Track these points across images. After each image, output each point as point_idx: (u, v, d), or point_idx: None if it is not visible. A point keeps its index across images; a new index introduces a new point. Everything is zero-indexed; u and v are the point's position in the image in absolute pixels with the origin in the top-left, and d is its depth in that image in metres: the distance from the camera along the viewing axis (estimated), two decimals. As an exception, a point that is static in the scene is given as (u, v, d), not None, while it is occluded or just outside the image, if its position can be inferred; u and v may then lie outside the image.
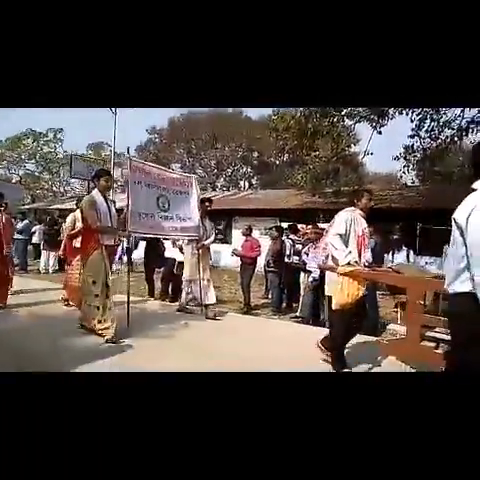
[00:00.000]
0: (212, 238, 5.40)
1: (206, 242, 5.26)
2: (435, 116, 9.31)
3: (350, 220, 3.26)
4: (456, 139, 9.36)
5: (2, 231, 5.18)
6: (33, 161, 25.87)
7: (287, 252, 6.27)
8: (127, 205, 4.22)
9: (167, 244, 6.34)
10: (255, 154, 27.18)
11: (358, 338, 4.55)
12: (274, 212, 12.05)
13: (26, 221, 10.61)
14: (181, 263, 5.77)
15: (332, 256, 3.28)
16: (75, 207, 5.44)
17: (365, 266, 3.30)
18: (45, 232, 9.89)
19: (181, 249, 5.71)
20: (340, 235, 3.18)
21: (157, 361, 3.20)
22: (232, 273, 8.39)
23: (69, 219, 5.35)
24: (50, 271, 9.51)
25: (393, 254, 6.33)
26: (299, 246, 6.20)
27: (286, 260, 6.24)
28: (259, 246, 6.31)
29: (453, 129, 9.39)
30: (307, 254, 5.62)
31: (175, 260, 6.13)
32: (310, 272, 5.43)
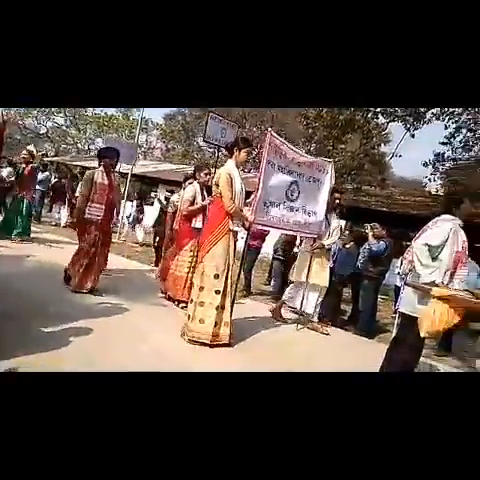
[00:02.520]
0: (334, 238, 4.47)
1: (326, 242, 4.33)
2: (473, 127, 8.99)
3: (451, 232, 2.67)
4: (490, 154, 9.04)
5: (114, 196, 4.17)
6: (62, 115, 25.96)
7: (297, 242, 6.21)
8: (257, 189, 3.50)
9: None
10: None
11: (356, 339, 4.58)
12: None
13: (46, 173, 10.72)
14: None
15: (414, 269, 2.76)
16: (192, 178, 4.51)
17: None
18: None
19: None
20: (430, 247, 2.66)
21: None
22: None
23: (189, 192, 4.25)
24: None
25: (402, 260, 6.23)
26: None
27: (295, 250, 6.20)
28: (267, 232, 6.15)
29: (489, 143, 9.07)
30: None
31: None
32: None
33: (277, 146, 3.69)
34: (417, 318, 2.56)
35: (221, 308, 3.18)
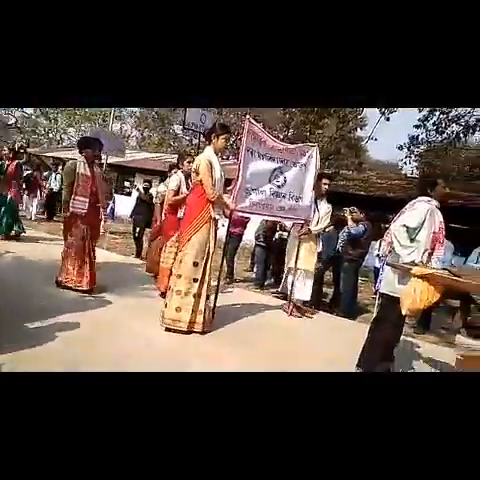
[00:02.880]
0: (323, 224, 4.38)
1: (314, 228, 4.28)
2: (445, 109, 9.18)
3: (428, 213, 2.74)
4: (462, 136, 9.27)
5: (99, 188, 3.99)
6: (31, 104, 25.00)
7: (277, 227, 6.23)
8: (237, 176, 3.53)
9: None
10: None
11: (339, 321, 4.69)
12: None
13: (18, 165, 10.35)
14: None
15: (393, 250, 2.81)
16: (176, 167, 4.48)
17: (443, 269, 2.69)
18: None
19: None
20: (408, 228, 2.73)
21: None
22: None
23: (174, 181, 4.19)
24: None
25: (381, 242, 6.38)
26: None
27: (276, 235, 6.23)
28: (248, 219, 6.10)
29: (461, 125, 9.30)
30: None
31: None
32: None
33: (256, 133, 3.68)
34: (397, 298, 2.63)
35: (198, 296, 3.16)
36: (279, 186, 3.93)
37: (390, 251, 2.90)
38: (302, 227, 4.28)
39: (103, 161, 9.06)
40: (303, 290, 4.34)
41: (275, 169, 3.89)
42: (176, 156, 5.29)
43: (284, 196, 4.00)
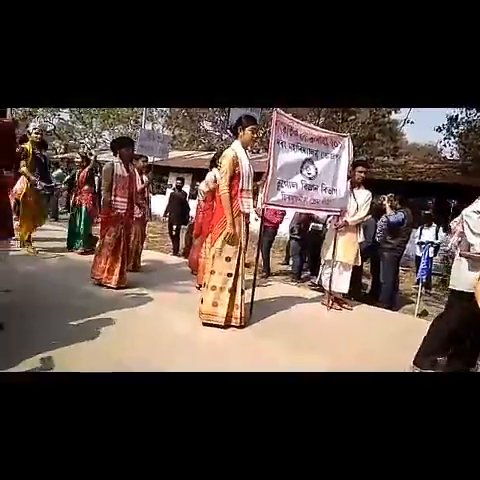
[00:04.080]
0: (361, 214, 4.15)
1: (351, 219, 4.10)
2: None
3: None
4: (507, 112, 8.70)
5: (135, 188, 4.12)
6: (67, 110, 26.05)
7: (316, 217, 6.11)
8: (267, 170, 3.52)
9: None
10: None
11: (381, 313, 4.59)
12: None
13: (59, 170, 10.85)
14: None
15: (464, 240, 2.60)
16: (214, 166, 4.40)
17: None
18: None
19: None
20: None
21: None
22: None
23: (209, 175, 4.33)
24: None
25: (421, 230, 6.16)
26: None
27: (309, 228, 6.15)
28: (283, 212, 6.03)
29: (505, 100, 8.71)
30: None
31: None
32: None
33: (285, 124, 3.64)
34: (469, 293, 2.46)
35: (233, 291, 3.17)
36: (310, 178, 3.85)
37: (460, 242, 2.69)
38: (338, 219, 4.17)
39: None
40: (341, 282, 4.24)
41: (306, 160, 3.82)
42: (206, 153, 5.31)
43: (316, 188, 3.91)
